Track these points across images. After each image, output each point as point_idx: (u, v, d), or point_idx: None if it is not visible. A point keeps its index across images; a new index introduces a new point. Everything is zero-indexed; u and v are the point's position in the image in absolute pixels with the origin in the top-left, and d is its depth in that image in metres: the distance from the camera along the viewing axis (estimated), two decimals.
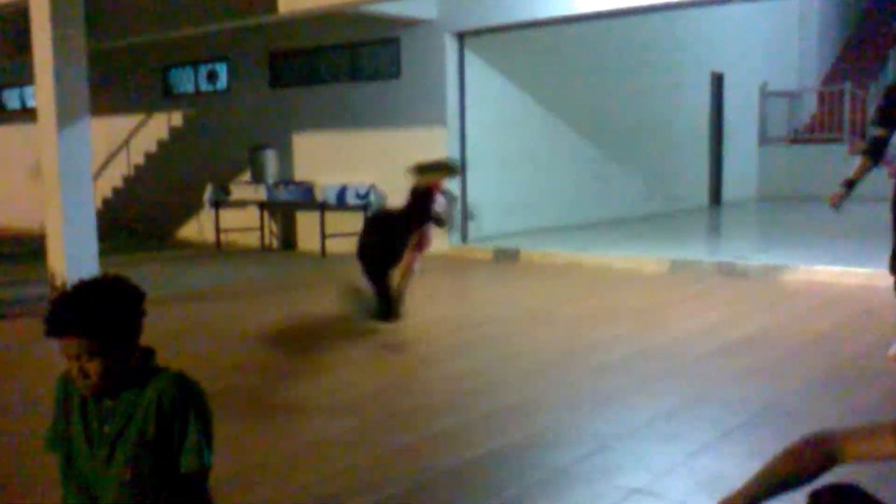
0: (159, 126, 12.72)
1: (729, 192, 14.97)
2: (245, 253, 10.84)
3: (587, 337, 5.69)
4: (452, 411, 4.15)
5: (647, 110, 12.72)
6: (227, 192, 11.12)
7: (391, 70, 10.18)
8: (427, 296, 7.00)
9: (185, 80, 12.52)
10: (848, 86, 15.09)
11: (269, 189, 10.60)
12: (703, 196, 14.61)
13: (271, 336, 5.95)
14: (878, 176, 5.91)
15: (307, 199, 10.33)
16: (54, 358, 2.01)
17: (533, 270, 8.74)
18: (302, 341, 5.82)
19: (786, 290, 7.22)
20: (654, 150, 12.96)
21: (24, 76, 12.14)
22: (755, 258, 8.27)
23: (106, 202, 13.07)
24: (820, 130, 15.57)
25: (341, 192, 10.08)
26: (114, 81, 12.77)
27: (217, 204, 11.22)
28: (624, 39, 11.87)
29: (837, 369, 4.78)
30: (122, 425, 1.98)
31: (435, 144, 9.73)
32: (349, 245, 10.25)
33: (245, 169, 11.22)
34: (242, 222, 11.38)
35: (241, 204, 11.22)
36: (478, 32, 9.74)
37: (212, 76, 12.15)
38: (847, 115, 14.94)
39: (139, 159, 13.01)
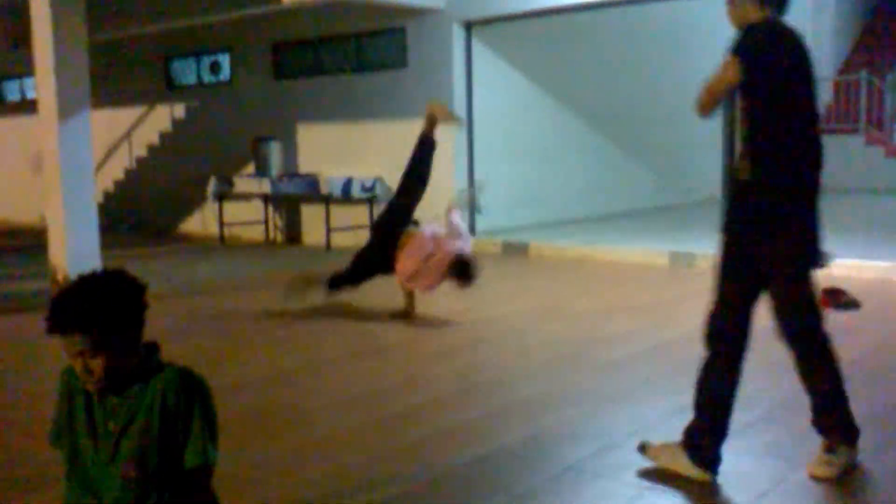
0: (162, 118, 12.60)
1: None
2: (249, 247, 10.75)
3: (598, 332, 5.61)
4: (461, 407, 4.11)
5: (659, 100, 12.53)
6: (230, 184, 11.00)
7: (397, 60, 10.03)
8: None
9: (187, 72, 12.40)
10: (864, 75, 14.83)
11: (273, 182, 10.47)
12: (717, 188, 14.40)
13: (276, 331, 5.88)
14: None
15: (312, 191, 10.22)
16: (57, 353, 1.97)
17: (542, 264, 8.62)
18: (307, 336, 5.73)
19: None
20: (665, 142, 12.77)
21: (24, 67, 12.01)
22: None
23: (108, 195, 12.97)
24: (836, 121, 15.34)
25: (347, 185, 9.96)
26: (115, 73, 12.65)
27: (220, 197, 11.11)
28: (634, 28, 11.69)
29: (851, 364, 4.65)
30: (127, 422, 1.97)
31: (442, 136, 9.59)
32: (355, 238, 10.20)
33: (249, 161, 11.10)
34: (246, 216, 11.27)
35: (245, 197, 11.12)
36: (486, 22, 9.59)
37: (215, 67, 12.02)
38: (864, 106, 14.68)
39: (141, 152, 12.90)
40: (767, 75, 2.91)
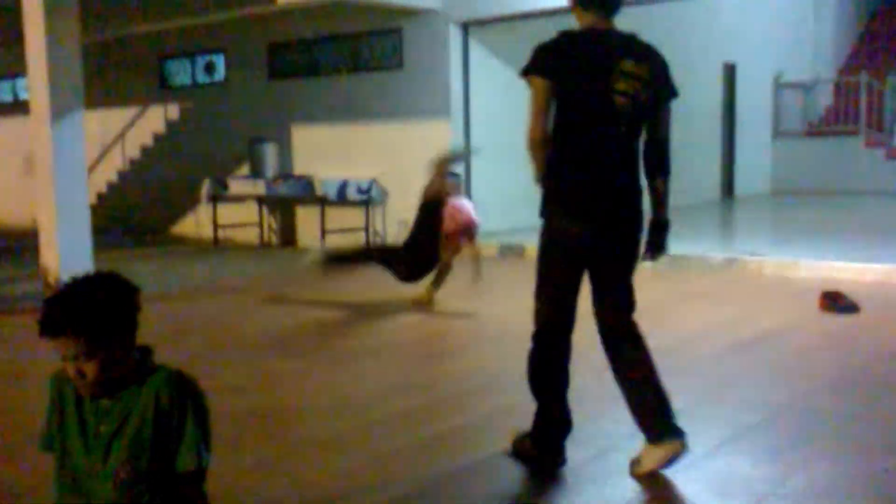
0: (155, 119, 12.51)
1: (742, 186, 14.70)
2: (243, 249, 10.66)
3: (595, 335, 5.52)
4: (457, 410, 4.07)
5: None
6: (224, 186, 10.92)
7: (393, 61, 9.96)
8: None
9: (181, 72, 12.31)
10: (865, 77, 14.80)
11: (267, 184, 10.40)
12: (716, 190, 14.38)
13: (270, 334, 5.83)
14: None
15: (307, 193, 10.15)
16: (48, 356, 1.96)
17: None
18: (302, 339, 5.68)
19: (799, 286, 7.03)
20: None
21: (16, 68, 11.92)
22: (768, 254, 8.07)
23: (100, 197, 12.86)
24: (836, 123, 15.32)
25: (342, 187, 9.89)
26: (108, 73, 12.56)
27: (215, 199, 11.04)
28: (633, 29, 11.63)
29: (852, 367, 4.69)
30: (119, 424, 1.95)
31: (438, 137, 9.53)
32: (350, 240, 10.12)
33: (243, 163, 11.03)
34: (241, 218, 11.18)
35: (240, 199, 11.03)
36: (482, 22, 9.52)
37: (209, 68, 11.94)
38: (864, 107, 14.65)
39: (135, 153, 12.81)
40: (550, 84, 3.06)
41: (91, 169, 11.67)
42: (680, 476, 3.16)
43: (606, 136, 3.07)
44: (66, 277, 1.97)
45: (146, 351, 2.03)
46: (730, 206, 13.96)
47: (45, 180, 7.31)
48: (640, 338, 3.25)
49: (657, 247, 3.27)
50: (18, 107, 13.50)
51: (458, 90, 9.58)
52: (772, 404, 4.00)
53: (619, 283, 3.23)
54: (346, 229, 10.07)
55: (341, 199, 9.92)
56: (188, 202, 11.81)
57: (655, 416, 3.13)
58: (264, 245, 11.05)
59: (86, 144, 7.67)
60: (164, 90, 12.48)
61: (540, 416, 3.25)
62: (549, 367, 3.23)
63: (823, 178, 14.39)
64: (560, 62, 3.08)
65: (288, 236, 11.09)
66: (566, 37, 3.12)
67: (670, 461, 3.10)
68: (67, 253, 7.16)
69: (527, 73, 3.10)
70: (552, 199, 3.12)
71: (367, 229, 10.06)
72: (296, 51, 10.96)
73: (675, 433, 3.11)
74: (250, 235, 11.15)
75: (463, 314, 6.26)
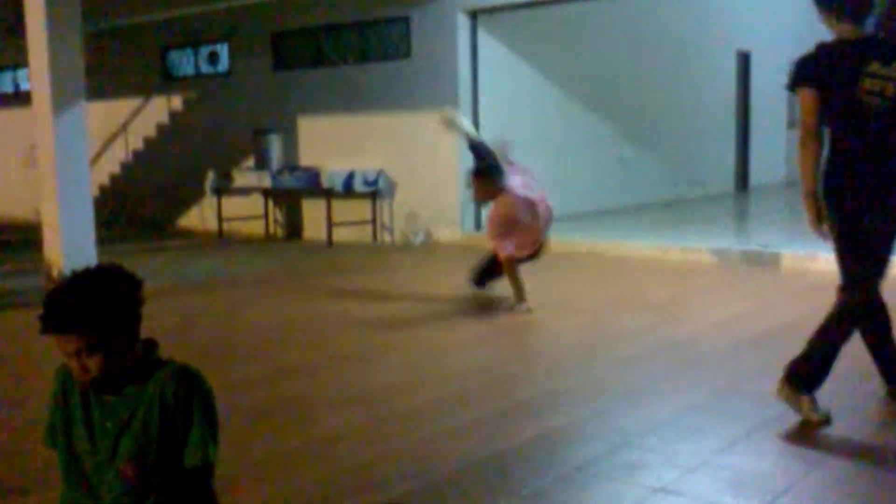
0: (158, 110, 12.40)
1: (756, 176, 14.49)
2: (249, 242, 10.59)
3: (608, 329, 5.51)
4: (468, 406, 3.99)
5: (670, 91, 12.32)
6: (229, 178, 10.82)
7: (401, 50, 9.83)
8: (442, 286, 6.90)
9: (185, 62, 12.19)
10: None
11: (273, 175, 10.29)
12: (730, 181, 14.21)
13: (276, 328, 5.78)
14: None
15: (313, 185, 10.05)
16: (52, 351, 1.92)
17: (550, 259, 8.38)
18: (308, 333, 5.62)
19: (816, 280, 6.90)
20: (677, 134, 12.57)
21: (18, 58, 11.80)
22: (784, 246, 7.94)
23: (103, 190, 12.76)
24: None
25: (349, 179, 9.77)
26: (111, 64, 12.45)
27: (219, 191, 10.94)
28: (645, 17, 11.49)
29: (870, 362, 4.48)
30: (125, 420, 1.94)
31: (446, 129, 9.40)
32: (356, 233, 10.03)
33: (248, 155, 10.92)
34: (246, 210, 11.08)
35: (245, 191, 10.93)
36: (492, 10, 9.39)
37: (213, 58, 11.81)
38: None
39: (138, 145, 12.70)
40: (813, 91, 3.48)
41: (94, 161, 11.56)
42: (694, 472, 3.11)
43: (859, 134, 3.49)
44: (68, 271, 1.94)
45: (151, 345, 2.00)
46: (745, 198, 13.81)
47: (47, 172, 7.28)
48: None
49: None
50: (20, 98, 13.42)
51: (467, 79, 9.45)
52: None
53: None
54: (354, 222, 9.96)
55: (348, 191, 9.81)
56: (192, 195, 11.71)
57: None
58: (270, 238, 10.95)
59: (88, 136, 7.60)
60: (167, 81, 12.36)
61: (813, 358, 3.61)
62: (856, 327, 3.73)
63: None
64: (817, 72, 3.50)
65: (294, 229, 10.98)
66: (821, 49, 3.54)
67: None
68: (70, 246, 7.13)
69: (793, 86, 3.53)
70: (826, 192, 3.61)
71: (374, 222, 9.94)
72: (301, 40, 10.84)
73: None
74: (255, 228, 11.05)
75: (473, 309, 6.13)
